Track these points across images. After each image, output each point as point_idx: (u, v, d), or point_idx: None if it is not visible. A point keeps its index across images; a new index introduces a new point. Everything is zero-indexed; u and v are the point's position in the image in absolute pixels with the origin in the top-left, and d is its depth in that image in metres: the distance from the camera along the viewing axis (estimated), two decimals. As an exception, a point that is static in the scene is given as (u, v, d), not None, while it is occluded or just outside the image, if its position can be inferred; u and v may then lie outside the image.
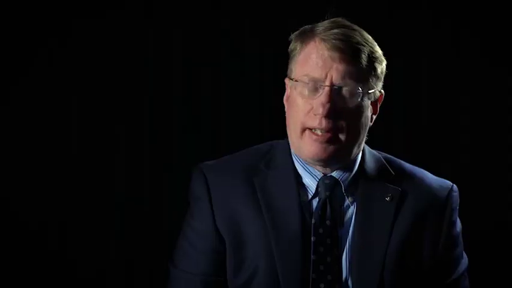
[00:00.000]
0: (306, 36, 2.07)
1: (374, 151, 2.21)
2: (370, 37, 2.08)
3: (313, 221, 2.09)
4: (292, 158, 2.14)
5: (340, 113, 2.03)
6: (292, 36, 2.11)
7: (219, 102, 3.25)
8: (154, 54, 3.22)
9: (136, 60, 3.21)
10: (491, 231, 3.31)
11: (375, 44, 2.08)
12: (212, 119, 3.25)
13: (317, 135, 2.05)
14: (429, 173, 2.22)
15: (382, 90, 2.13)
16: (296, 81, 2.07)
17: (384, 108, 3.26)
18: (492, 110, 3.30)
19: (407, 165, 2.22)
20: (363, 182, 2.13)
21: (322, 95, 2.03)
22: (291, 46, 2.10)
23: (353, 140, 2.07)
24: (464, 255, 2.22)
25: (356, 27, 2.07)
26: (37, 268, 3.14)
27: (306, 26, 2.09)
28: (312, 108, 2.04)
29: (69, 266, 3.17)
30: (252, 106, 3.17)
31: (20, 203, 3.13)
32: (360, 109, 2.05)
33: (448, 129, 3.31)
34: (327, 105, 2.02)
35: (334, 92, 2.03)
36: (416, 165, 2.24)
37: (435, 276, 2.15)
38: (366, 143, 2.19)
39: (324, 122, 2.03)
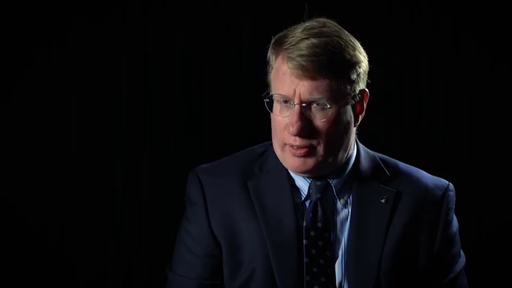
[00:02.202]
0: (275, 50, 2.06)
1: (369, 150, 2.21)
2: (346, 38, 2.04)
3: (304, 224, 2.09)
4: None
5: (314, 128, 2.03)
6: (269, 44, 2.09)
7: (219, 103, 3.25)
8: (154, 55, 3.22)
9: (136, 60, 3.21)
10: (491, 231, 3.31)
11: (351, 46, 2.04)
12: (211, 120, 3.25)
13: (295, 149, 2.05)
14: (425, 172, 2.21)
15: (366, 89, 2.10)
16: (270, 98, 2.07)
17: (384, 108, 3.28)
18: (492, 110, 3.30)
19: (403, 165, 2.21)
20: (357, 183, 2.13)
21: (292, 114, 2.03)
22: (267, 56, 2.09)
23: (333, 148, 2.06)
24: (462, 254, 2.21)
25: (329, 31, 2.03)
26: (37, 268, 3.15)
27: (280, 34, 2.07)
28: (287, 124, 2.04)
29: (68, 265, 3.18)
30: (251, 107, 3.17)
31: (19, 203, 3.14)
32: (335, 119, 2.04)
33: (448, 128, 3.31)
34: (297, 124, 2.02)
35: (304, 109, 2.02)
36: (415, 165, 2.23)
37: (432, 275, 2.14)
38: (362, 142, 2.20)
39: (297, 140, 2.04)
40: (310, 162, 2.06)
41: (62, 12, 3.13)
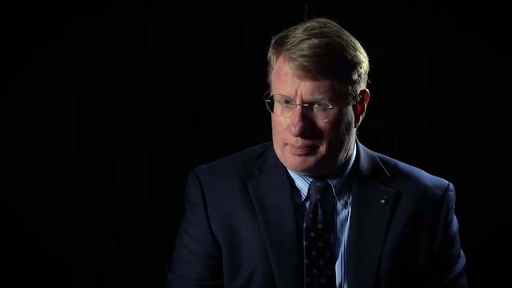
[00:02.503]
0: (276, 50, 2.05)
1: (369, 150, 2.21)
2: (347, 39, 2.04)
3: (304, 225, 2.09)
4: None
5: (315, 128, 2.03)
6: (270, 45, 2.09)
7: (219, 103, 3.25)
8: (154, 55, 3.22)
9: (136, 60, 3.21)
10: (491, 231, 3.31)
11: (352, 46, 2.04)
12: (211, 120, 3.25)
13: (296, 149, 2.05)
14: (425, 172, 2.21)
15: (367, 90, 2.10)
16: (271, 99, 2.06)
17: (384, 108, 3.28)
18: (492, 110, 3.30)
19: (403, 165, 2.21)
20: (357, 184, 2.13)
21: (294, 115, 2.02)
22: (268, 56, 2.08)
23: (334, 148, 2.06)
24: (462, 254, 2.21)
25: (330, 31, 2.03)
26: (37, 268, 3.15)
27: (280, 35, 2.06)
28: (288, 125, 2.04)
29: (68, 265, 3.17)
30: (251, 107, 3.17)
31: (19, 203, 3.13)
32: (336, 119, 2.04)
33: (448, 128, 3.31)
34: (298, 125, 2.01)
35: (305, 110, 2.02)
36: (415, 165, 2.23)
37: (432, 276, 2.14)
38: (362, 142, 2.19)
39: (299, 140, 2.04)
40: (311, 160, 2.06)
41: (62, 12, 3.13)
